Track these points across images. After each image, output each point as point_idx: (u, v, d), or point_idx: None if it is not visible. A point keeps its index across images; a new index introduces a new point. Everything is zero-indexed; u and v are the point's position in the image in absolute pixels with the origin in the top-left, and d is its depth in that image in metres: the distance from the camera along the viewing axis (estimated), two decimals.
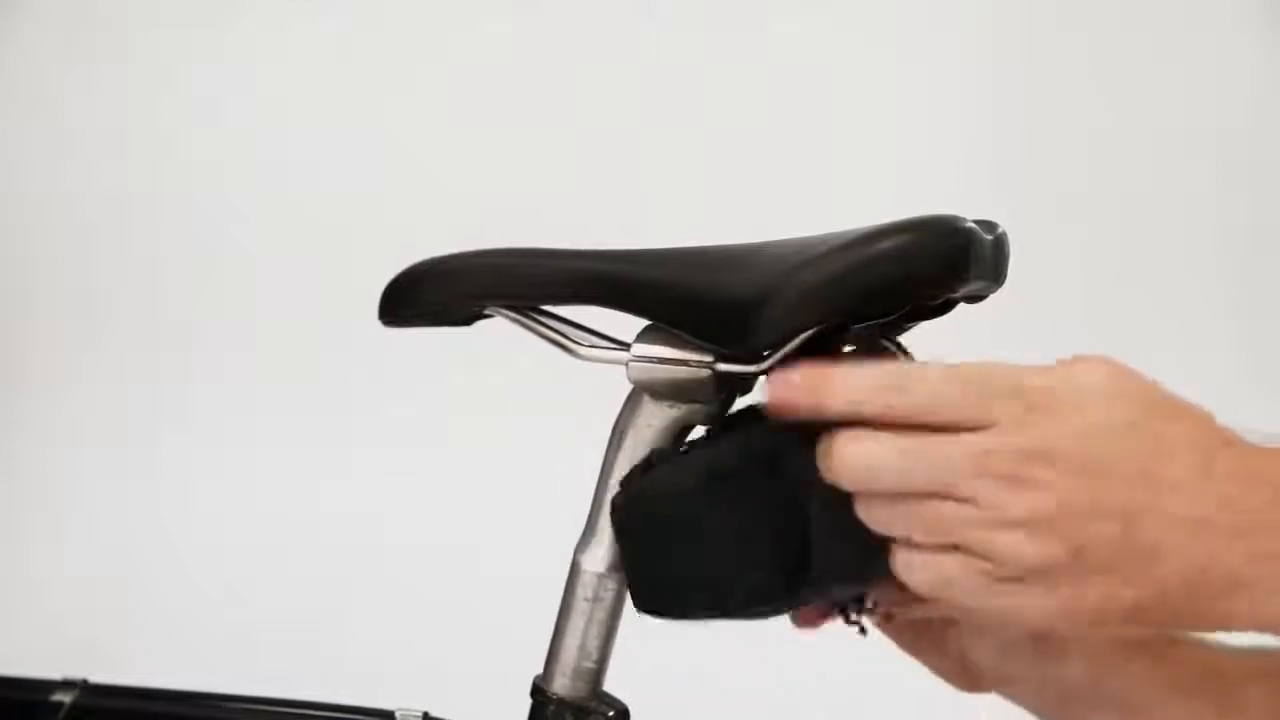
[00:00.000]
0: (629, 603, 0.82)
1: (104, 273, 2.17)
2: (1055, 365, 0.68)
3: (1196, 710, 0.84)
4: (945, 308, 0.78)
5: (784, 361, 0.75)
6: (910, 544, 0.68)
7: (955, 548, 0.67)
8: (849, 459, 0.68)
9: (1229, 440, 0.68)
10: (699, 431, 0.81)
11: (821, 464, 0.70)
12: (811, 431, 0.71)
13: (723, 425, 0.79)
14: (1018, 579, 0.66)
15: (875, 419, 0.67)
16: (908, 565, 0.68)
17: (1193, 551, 0.65)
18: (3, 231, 2.18)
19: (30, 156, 2.18)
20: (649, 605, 0.78)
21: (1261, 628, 0.68)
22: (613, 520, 0.79)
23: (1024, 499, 0.65)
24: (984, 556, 0.66)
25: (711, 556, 0.75)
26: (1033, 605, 0.67)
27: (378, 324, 0.88)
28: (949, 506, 0.66)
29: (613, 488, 0.81)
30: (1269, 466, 0.67)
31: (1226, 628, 0.70)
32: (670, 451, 0.79)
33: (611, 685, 0.84)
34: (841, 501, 0.70)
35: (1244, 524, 0.66)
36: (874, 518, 0.69)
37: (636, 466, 0.79)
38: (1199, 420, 0.69)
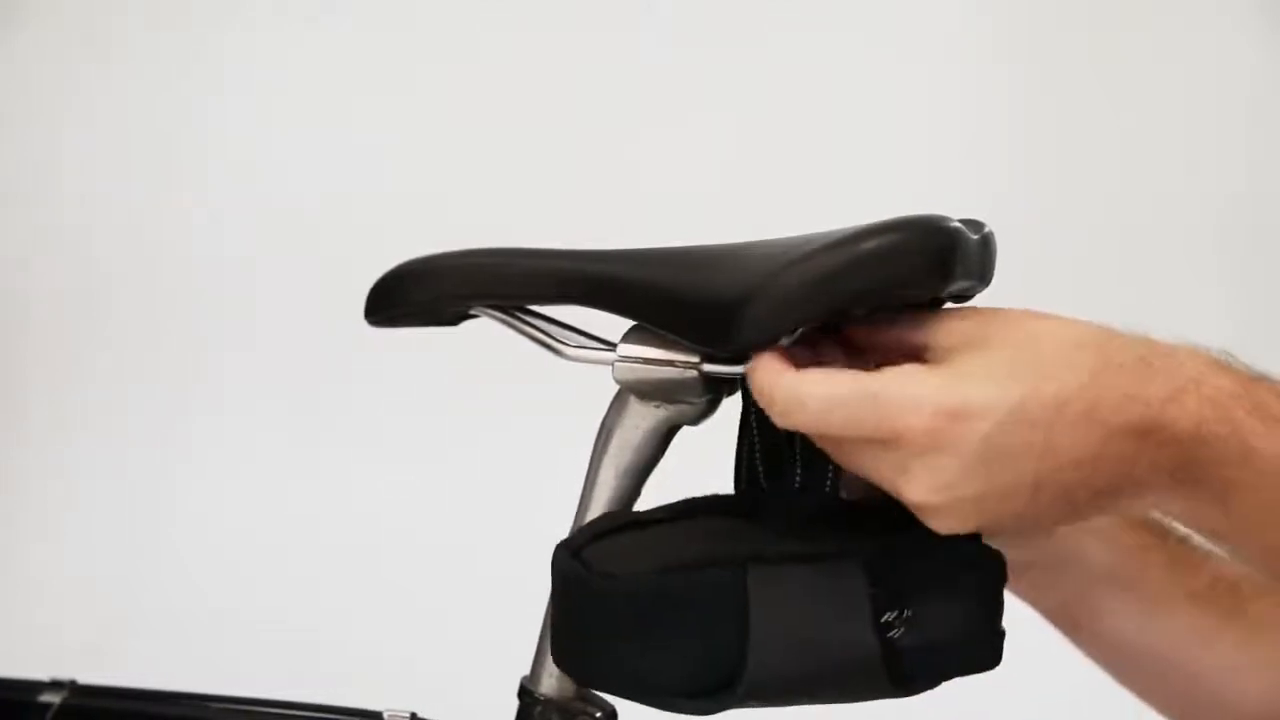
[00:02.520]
0: None
1: (104, 273, 2.17)
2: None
3: (1203, 616, 0.86)
4: (931, 307, 0.78)
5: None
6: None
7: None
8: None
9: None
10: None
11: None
12: (772, 547, 0.73)
13: (682, 510, 0.78)
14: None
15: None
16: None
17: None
18: (3, 232, 2.18)
19: (30, 158, 2.18)
20: (561, 663, 0.78)
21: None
22: (551, 573, 0.77)
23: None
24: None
25: (634, 651, 0.74)
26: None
27: (369, 325, 0.88)
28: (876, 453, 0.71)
29: (600, 487, 0.81)
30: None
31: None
32: (624, 519, 0.79)
33: None
34: (793, 618, 0.71)
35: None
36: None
37: (585, 528, 0.79)
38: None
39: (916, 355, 0.73)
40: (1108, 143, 2.12)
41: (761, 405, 0.74)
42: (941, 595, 0.74)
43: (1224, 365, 0.73)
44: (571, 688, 0.83)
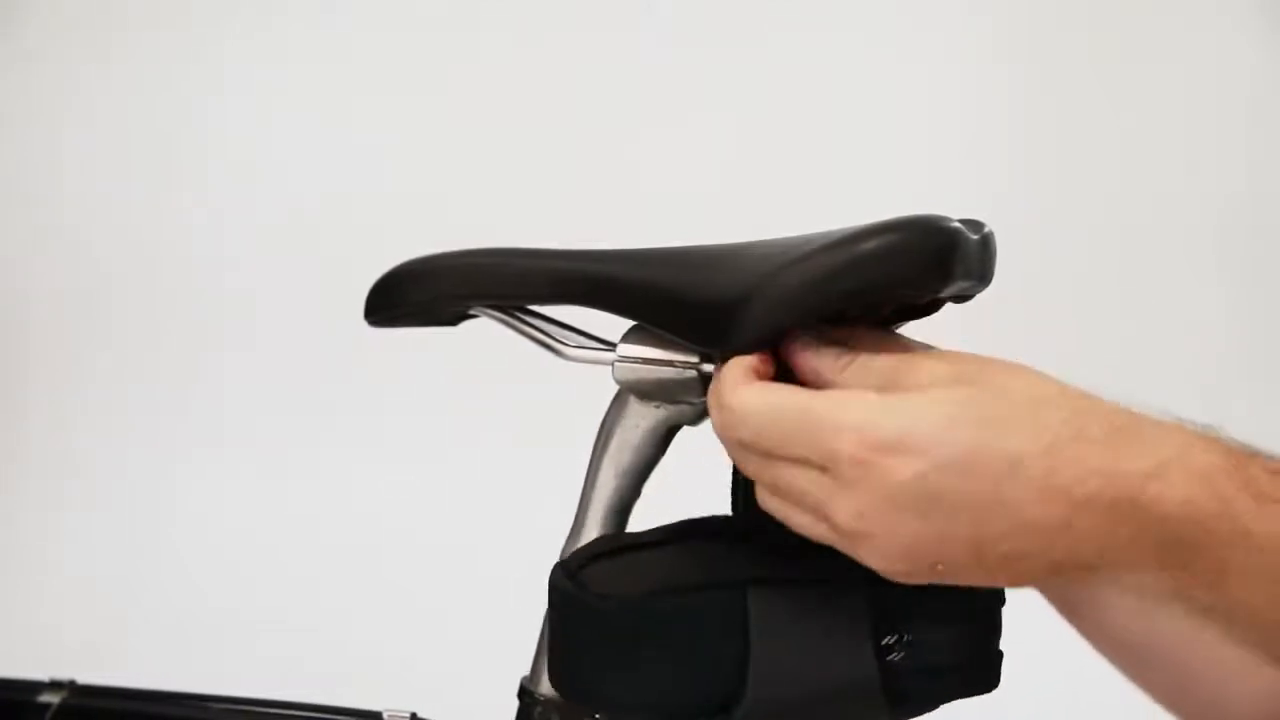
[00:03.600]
0: None
1: (105, 273, 2.17)
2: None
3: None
4: (932, 307, 0.78)
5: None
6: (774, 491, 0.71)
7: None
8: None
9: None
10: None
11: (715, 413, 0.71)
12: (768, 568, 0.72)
13: (680, 532, 0.78)
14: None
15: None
16: (766, 503, 0.71)
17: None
18: (3, 232, 2.18)
19: (30, 158, 2.18)
20: (557, 684, 0.77)
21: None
22: (548, 595, 0.77)
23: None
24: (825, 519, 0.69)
25: (631, 672, 0.74)
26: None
27: (368, 325, 0.88)
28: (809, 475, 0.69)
29: (600, 487, 0.81)
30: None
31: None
32: (622, 541, 0.78)
33: None
34: (793, 641, 0.71)
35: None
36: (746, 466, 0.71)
37: (582, 549, 0.78)
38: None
39: (883, 387, 0.71)
40: (1108, 142, 2.12)
41: (710, 411, 0.72)
42: (940, 620, 0.74)
43: (1212, 439, 0.67)
44: None
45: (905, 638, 0.73)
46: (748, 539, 0.75)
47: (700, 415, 0.80)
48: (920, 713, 0.75)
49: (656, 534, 0.77)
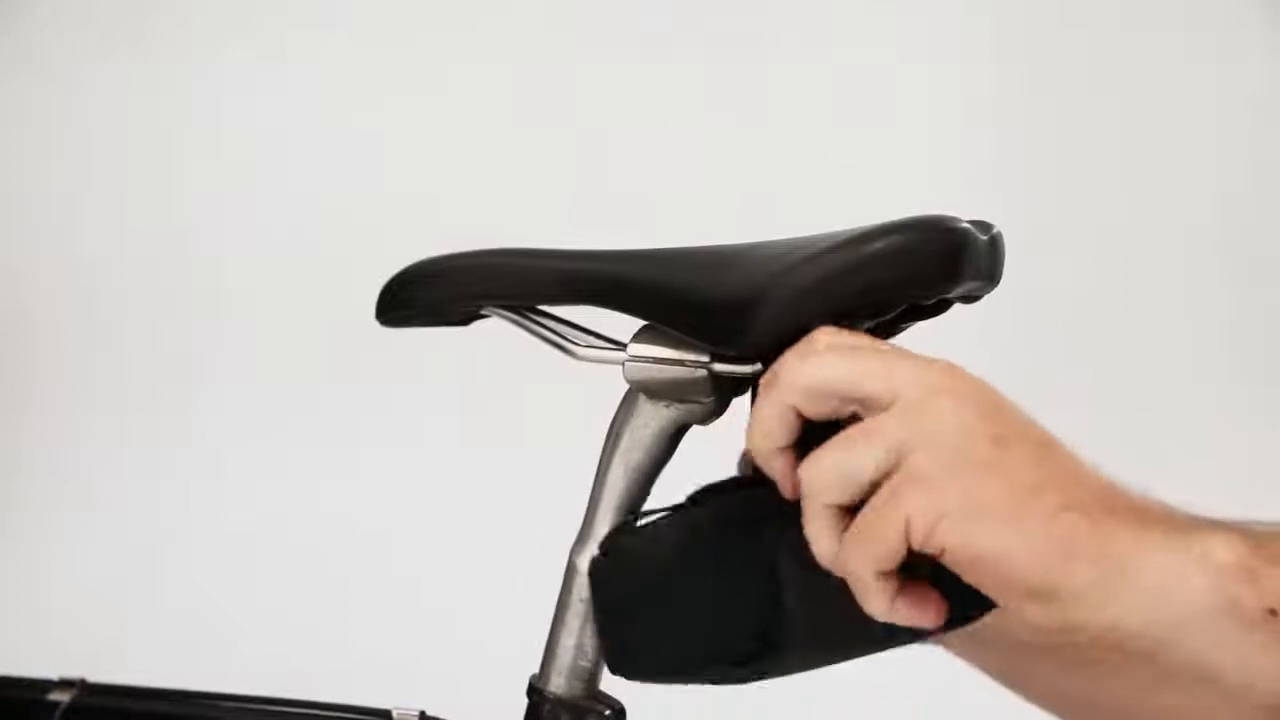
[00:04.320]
0: None
1: (105, 273, 2.17)
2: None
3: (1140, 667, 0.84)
4: (941, 308, 0.78)
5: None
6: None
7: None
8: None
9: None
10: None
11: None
12: (793, 501, 0.73)
13: (702, 491, 0.79)
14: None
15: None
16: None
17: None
18: (3, 233, 2.18)
19: (29, 158, 2.18)
20: (619, 668, 0.79)
21: None
22: (590, 583, 0.80)
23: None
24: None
25: (680, 619, 0.76)
26: None
27: (379, 325, 0.88)
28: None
29: (610, 487, 0.81)
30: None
31: None
32: (650, 513, 0.80)
33: (608, 684, 0.84)
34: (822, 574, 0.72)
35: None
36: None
37: (615, 528, 0.80)
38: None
39: None
40: (1107, 143, 2.12)
41: (787, 367, 0.73)
42: None
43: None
44: (581, 686, 0.83)
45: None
46: (770, 485, 0.76)
47: (710, 415, 0.81)
48: (961, 624, 0.74)
49: (671, 507, 0.79)
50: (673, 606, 0.76)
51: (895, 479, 0.68)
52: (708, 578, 0.76)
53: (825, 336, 0.72)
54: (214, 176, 2.18)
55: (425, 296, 0.85)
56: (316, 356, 2.13)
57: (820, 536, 0.71)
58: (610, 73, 2.15)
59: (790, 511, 0.73)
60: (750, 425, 0.74)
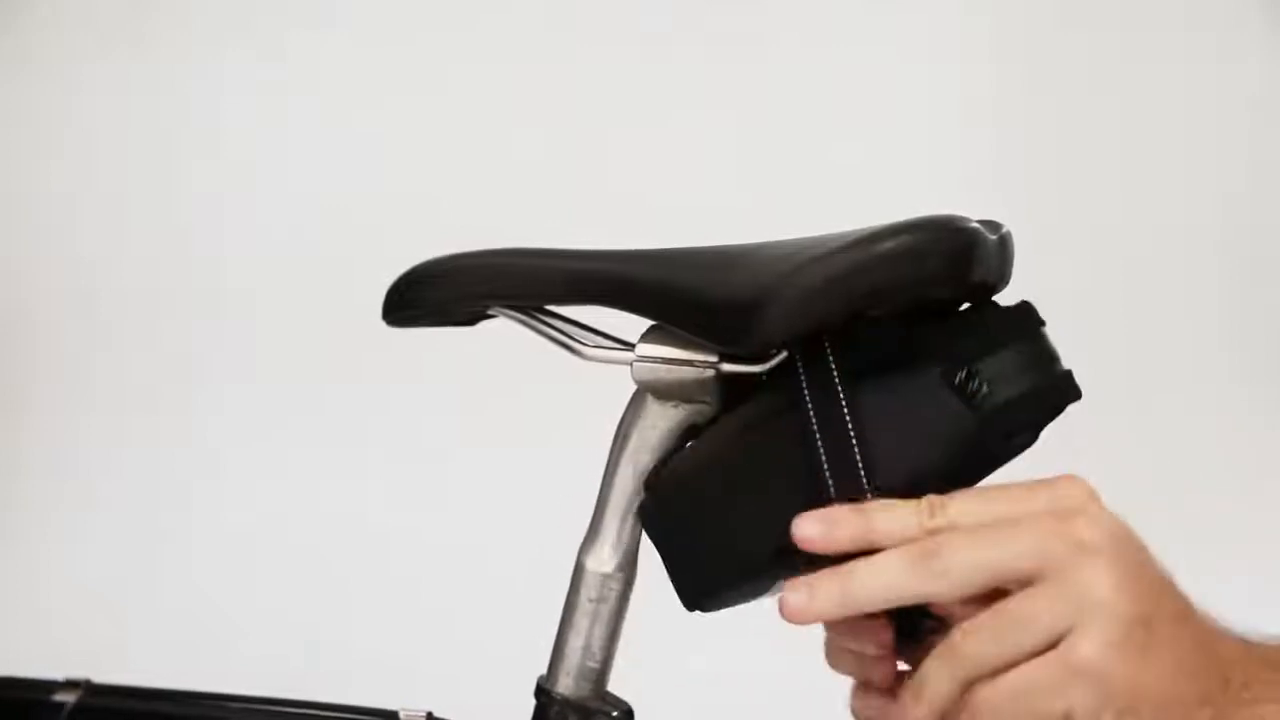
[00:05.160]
0: (633, 603, 0.82)
1: (105, 273, 2.17)
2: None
3: None
4: (949, 308, 0.78)
5: (787, 364, 0.76)
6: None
7: None
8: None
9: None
10: None
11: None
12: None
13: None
14: None
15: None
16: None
17: None
18: (3, 235, 2.18)
19: (29, 158, 2.18)
20: (694, 599, 0.78)
21: None
22: (643, 520, 0.80)
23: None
24: None
25: (736, 519, 0.76)
26: None
27: (382, 324, 0.88)
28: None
29: (618, 487, 0.81)
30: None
31: None
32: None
33: (616, 685, 0.84)
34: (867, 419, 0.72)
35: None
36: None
37: (656, 465, 0.80)
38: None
39: None
40: (1107, 143, 2.12)
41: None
42: (995, 347, 0.75)
43: None
44: (589, 687, 0.83)
45: (973, 369, 0.73)
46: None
47: (717, 416, 0.81)
48: (1020, 446, 0.75)
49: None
50: (725, 511, 0.76)
51: (1058, 662, 0.67)
52: (750, 475, 0.75)
53: (961, 502, 0.70)
54: (214, 176, 2.17)
55: (432, 296, 0.85)
56: (317, 356, 2.13)
57: (948, 692, 0.70)
58: (610, 73, 2.15)
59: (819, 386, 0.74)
60: (865, 570, 0.70)
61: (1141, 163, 2.12)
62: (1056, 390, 0.75)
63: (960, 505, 0.70)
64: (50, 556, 2.11)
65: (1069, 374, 0.76)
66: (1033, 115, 2.15)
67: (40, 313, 2.17)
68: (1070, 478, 0.71)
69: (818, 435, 0.73)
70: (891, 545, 0.70)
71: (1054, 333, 0.79)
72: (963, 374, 0.73)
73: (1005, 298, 0.78)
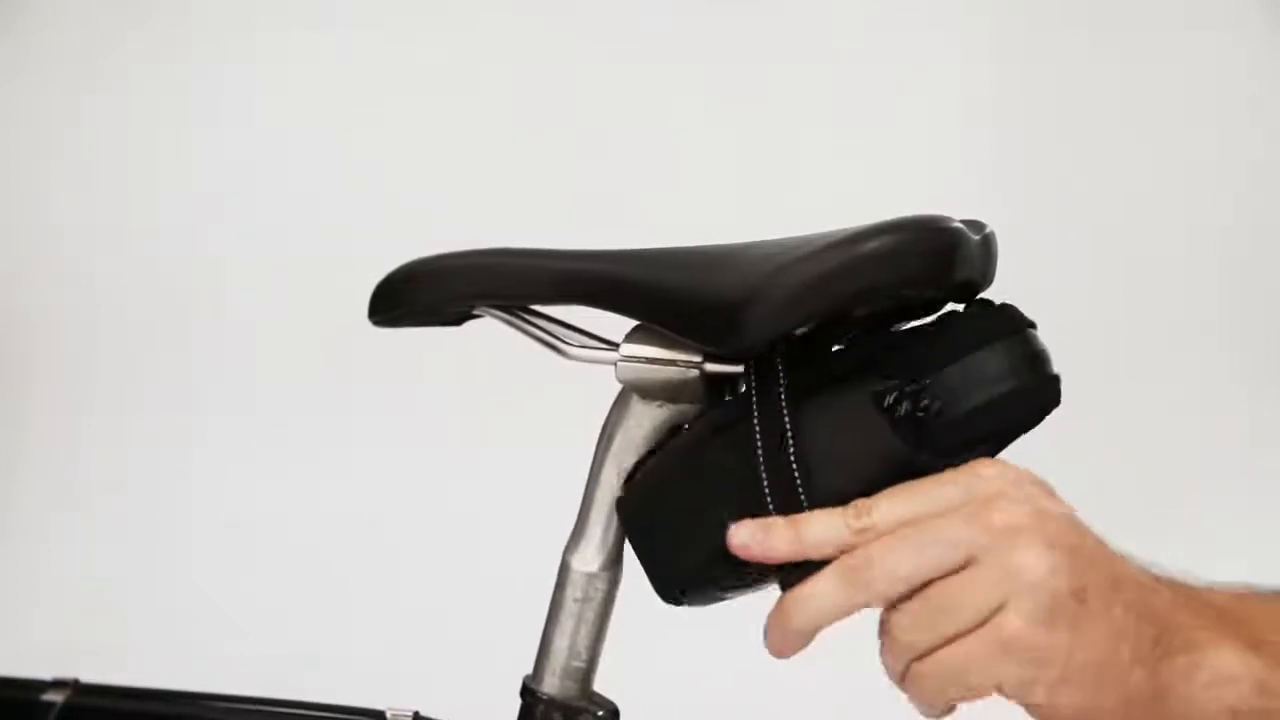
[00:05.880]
0: (619, 603, 0.83)
1: (104, 275, 2.17)
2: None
3: None
4: (933, 308, 0.78)
5: (771, 362, 0.76)
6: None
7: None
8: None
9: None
10: None
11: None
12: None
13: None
14: None
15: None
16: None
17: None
18: (3, 235, 2.18)
19: (28, 163, 2.18)
20: (667, 591, 0.79)
21: None
22: (620, 516, 0.80)
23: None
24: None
25: (699, 515, 0.76)
26: None
27: (372, 325, 0.88)
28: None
29: (603, 486, 0.81)
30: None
31: None
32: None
33: (601, 685, 0.84)
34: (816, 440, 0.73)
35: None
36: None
37: (638, 461, 0.80)
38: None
39: None
40: (1107, 143, 2.12)
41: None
42: (947, 359, 0.74)
43: None
44: (574, 687, 0.83)
45: (906, 390, 0.73)
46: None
47: (702, 415, 0.81)
48: (987, 453, 0.75)
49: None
50: (685, 511, 0.77)
51: (988, 639, 0.69)
52: (708, 479, 0.76)
53: (886, 504, 0.72)
54: (214, 177, 2.17)
55: (417, 296, 0.85)
56: (316, 356, 2.13)
57: (895, 669, 0.72)
58: (610, 73, 2.15)
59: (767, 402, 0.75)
60: (799, 602, 0.72)
61: (1141, 163, 2.12)
62: (1032, 394, 0.75)
63: (885, 506, 0.72)
64: (50, 556, 2.11)
65: (1052, 378, 0.76)
66: (1033, 115, 2.14)
67: (40, 313, 2.17)
68: (986, 461, 0.72)
69: (759, 447, 0.74)
70: (820, 554, 0.72)
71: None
72: (892, 397, 0.73)
73: (1001, 297, 0.78)
